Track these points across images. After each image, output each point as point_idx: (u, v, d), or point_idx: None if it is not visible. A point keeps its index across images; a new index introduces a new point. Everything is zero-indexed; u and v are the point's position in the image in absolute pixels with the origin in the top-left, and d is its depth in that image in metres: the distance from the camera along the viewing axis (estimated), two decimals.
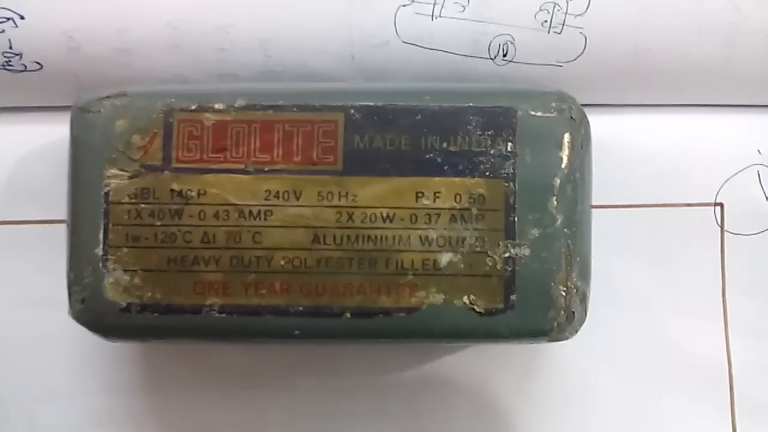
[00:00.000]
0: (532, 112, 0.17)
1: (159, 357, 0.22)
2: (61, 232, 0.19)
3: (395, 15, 0.21)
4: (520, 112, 0.17)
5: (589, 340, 0.23)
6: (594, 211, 0.21)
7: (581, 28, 0.22)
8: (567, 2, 0.22)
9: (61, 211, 0.18)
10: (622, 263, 0.24)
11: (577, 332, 0.18)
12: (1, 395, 0.22)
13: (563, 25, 0.22)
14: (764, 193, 0.24)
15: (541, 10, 0.22)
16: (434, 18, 0.21)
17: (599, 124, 0.22)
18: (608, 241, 0.23)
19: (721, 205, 0.24)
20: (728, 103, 0.24)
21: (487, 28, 0.21)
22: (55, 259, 0.20)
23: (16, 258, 0.22)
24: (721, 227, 0.24)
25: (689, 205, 0.24)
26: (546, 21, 0.22)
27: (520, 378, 0.23)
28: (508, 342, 0.18)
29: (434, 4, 0.21)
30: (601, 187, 0.22)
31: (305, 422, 0.22)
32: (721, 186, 0.24)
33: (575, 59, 0.22)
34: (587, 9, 0.22)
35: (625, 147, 0.24)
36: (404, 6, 0.21)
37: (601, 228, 0.22)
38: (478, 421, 0.23)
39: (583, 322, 0.18)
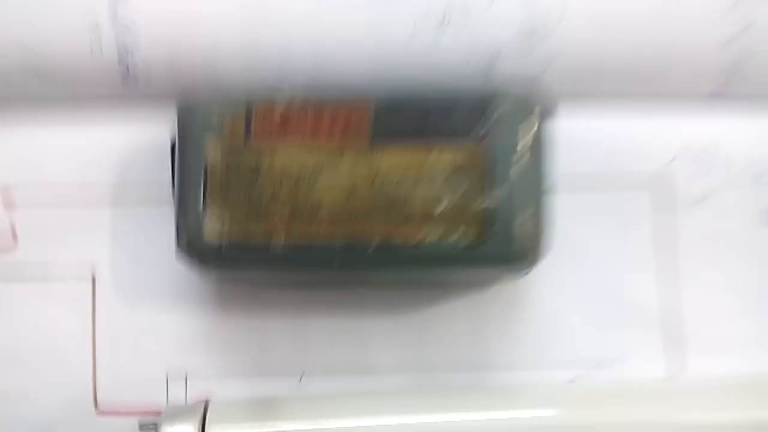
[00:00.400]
0: (506, 100, 0.23)
1: (234, 298, 0.28)
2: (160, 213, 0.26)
3: (410, 37, 0.27)
4: (496, 99, 0.23)
5: (555, 290, 0.29)
6: (571, 194, 0.28)
7: (552, 44, 0.27)
8: (541, 24, 0.27)
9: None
10: (585, 229, 0.29)
11: (537, 262, 0.24)
12: (128, 326, 0.28)
13: (537, 42, 0.27)
14: (695, 174, 0.29)
15: (521, 30, 0.27)
16: (439, 38, 0.27)
17: (564, 121, 0.27)
18: (575, 212, 0.29)
19: (663, 182, 0.29)
20: (663, 104, 0.29)
21: (479, 45, 0.27)
22: (159, 231, 0.27)
23: (127, 233, 0.28)
24: (663, 201, 0.29)
25: (638, 182, 0.29)
26: (526, 38, 0.27)
27: (505, 317, 0.29)
28: (487, 267, 0.24)
29: (438, 27, 0.27)
30: (570, 170, 0.28)
31: (337, 348, 0.28)
32: (662, 168, 0.29)
33: (546, 69, 0.28)
34: (556, 30, 0.27)
35: (586, 138, 0.29)
36: (415, 29, 0.27)
37: (568, 203, 0.28)
38: (472, 349, 0.28)
39: (542, 255, 0.24)
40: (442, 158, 0.23)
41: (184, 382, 0.28)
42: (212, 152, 0.24)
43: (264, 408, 0.26)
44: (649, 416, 0.27)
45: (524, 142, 0.23)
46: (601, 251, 0.29)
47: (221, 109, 0.24)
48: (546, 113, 0.24)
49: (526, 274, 0.26)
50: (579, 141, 0.29)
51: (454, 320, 0.29)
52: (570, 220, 0.28)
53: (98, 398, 0.27)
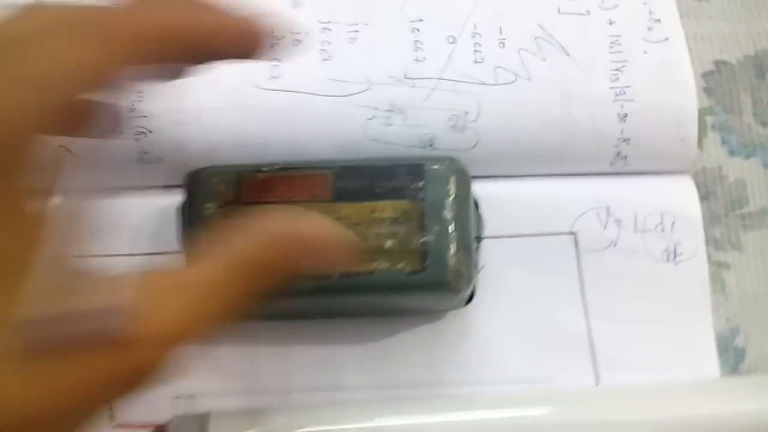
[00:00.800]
0: (434, 166, 0.30)
1: (231, 332, 0.32)
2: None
3: (365, 124, 0.34)
4: (426, 166, 0.30)
5: (493, 320, 0.34)
6: (494, 240, 0.34)
7: (475, 128, 0.34)
8: (465, 113, 0.34)
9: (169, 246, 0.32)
10: (514, 272, 0.35)
11: (466, 289, 0.30)
12: None
13: (464, 127, 0.34)
14: (601, 225, 0.35)
15: (450, 118, 0.34)
16: (388, 125, 0.34)
17: (492, 187, 0.34)
18: (506, 258, 0.35)
19: (575, 233, 0.35)
20: (570, 173, 0.36)
21: (419, 130, 0.34)
22: None
23: None
24: (576, 247, 0.35)
25: (556, 233, 0.35)
26: (454, 125, 0.34)
27: (455, 344, 0.34)
28: (427, 292, 0.30)
29: (387, 117, 0.34)
30: (500, 224, 0.35)
31: (316, 371, 0.34)
32: (574, 221, 0.35)
33: (473, 147, 0.35)
34: (477, 117, 0.34)
35: (510, 199, 0.35)
36: (369, 119, 0.34)
37: (500, 251, 0.35)
38: (427, 370, 0.34)
39: (471, 283, 0.31)
40: (387, 209, 0.30)
41: (189, 402, 0.33)
42: (211, 211, 0.30)
43: (257, 416, 0.31)
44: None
45: (448, 196, 0.30)
46: (529, 287, 0.35)
47: (218, 179, 0.30)
48: (464, 172, 0.31)
49: (467, 303, 0.33)
50: (508, 208, 0.35)
51: (412, 347, 0.34)
52: (505, 266, 0.35)
53: (115, 413, 0.32)
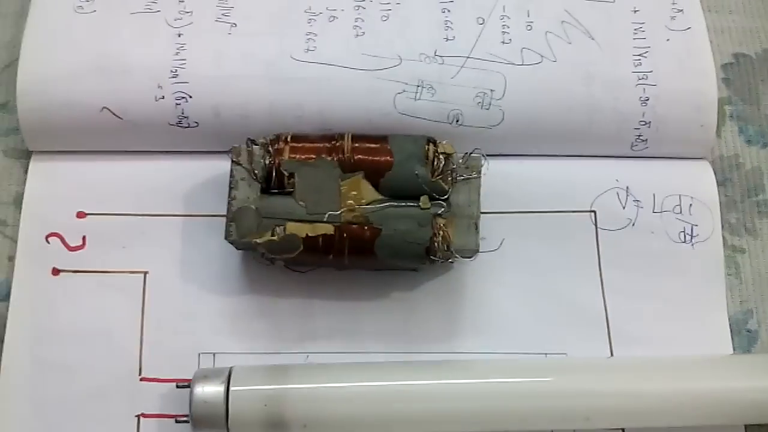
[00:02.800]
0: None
1: (254, 290, 0.33)
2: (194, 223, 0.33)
3: (394, 98, 0.33)
4: None
5: (512, 293, 0.33)
6: (515, 215, 0.34)
7: (500, 106, 0.34)
8: (491, 91, 0.34)
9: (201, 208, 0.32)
10: (534, 247, 0.34)
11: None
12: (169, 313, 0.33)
13: (490, 104, 0.34)
14: (620, 205, 0.35)
15: (477, 95, 0.34)
16: (416, 100, 0.33)
17: (516, 165, 0.33)
18: (526, 233, 0.34)
19: (594, 212, 0.34)
20: (592, 154, 0.35)
21: (446, 106, 0.33)
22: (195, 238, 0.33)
23: (170, 239, 0.34)
24: (595, 225, 0.34)
25: (576, 211, 0.35)
26: (480, 102, 0.34)
27: (470, 315, 0.33)
28: None
29: (416, 92, 0.34)
30: (522, 201, 0.34)
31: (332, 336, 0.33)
32: (594, 200, 0.34)
33: (498, 125, 0.34)
34: (503, 96, 0.34)
35: (533, 177, 0.35)
36: (399, 93, 0.33)
37: (521, 226, 0.34)
38: (443, 342, 0.33)
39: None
40: None
41: (212, 358, 0.32)
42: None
43: (278, 372, 0.31)
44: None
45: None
46: (548, 262, 0.34)
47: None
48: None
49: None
50: (532, 185, 0.35)
51: (432, 319, 0.33)
52: (524, 242, 0.34)
53: (142, 369, 0.32)
